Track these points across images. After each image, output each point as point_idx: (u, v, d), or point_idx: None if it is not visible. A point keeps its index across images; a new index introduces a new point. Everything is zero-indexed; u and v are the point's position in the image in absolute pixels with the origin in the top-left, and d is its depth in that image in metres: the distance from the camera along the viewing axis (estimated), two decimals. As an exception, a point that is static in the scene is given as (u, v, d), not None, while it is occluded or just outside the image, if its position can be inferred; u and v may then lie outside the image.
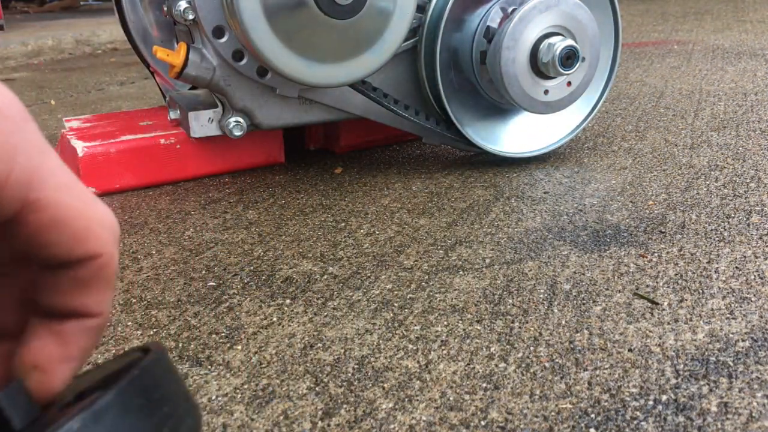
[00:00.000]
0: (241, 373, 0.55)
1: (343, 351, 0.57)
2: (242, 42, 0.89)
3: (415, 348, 0.57)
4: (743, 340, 0.56)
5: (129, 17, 1.17)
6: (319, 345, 0.58)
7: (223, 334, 0.61)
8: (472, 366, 0.54)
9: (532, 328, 0.59)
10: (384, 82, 1.00)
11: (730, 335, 0.57)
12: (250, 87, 0.94)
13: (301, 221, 0.87)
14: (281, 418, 0.49)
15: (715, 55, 1.87)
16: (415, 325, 0.61)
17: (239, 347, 0.59)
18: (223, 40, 0.90)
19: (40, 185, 0.20)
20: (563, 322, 0.60)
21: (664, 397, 0.49)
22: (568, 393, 0.50)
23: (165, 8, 0.95)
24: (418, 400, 0.50)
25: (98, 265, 0.21)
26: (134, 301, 0.68)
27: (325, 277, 0.71)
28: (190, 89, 1.12)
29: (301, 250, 0.78)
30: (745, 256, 0.71)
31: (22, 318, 0.23)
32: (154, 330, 0.62)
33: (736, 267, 0.69)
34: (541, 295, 0.65)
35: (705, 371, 0.52)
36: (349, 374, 0.54)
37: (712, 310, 0.61)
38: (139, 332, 0.62)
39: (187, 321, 0.64)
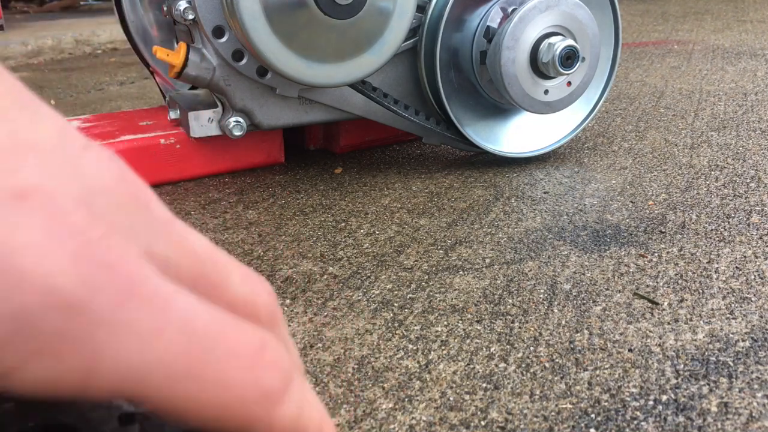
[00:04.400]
0: (241, 373, 0.55)
1: (343, 351, 0.57)
2: (242, 42, 0.89)
3: (415, 348, 0.57)
4: (743, 340, 0.56)
5: (129, 17, 1.17)
6: (319, 345, 0.58)
7: (223, 334, 0.61)
8: (472, 366, 0.54)
9: (532, 328, 0.59)
10: (384, 82, 1.00)
11: (730, 335, 0.57)
12: (250, 87, 0.94)
13: (301, 221, 0.87)
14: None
15: (715, 55, 1.87)
16: (415, 325, 0.61)
17: (239, 347, 0.59)
18: (223, 40, 0.90)
19: (146, 380, 0.15)
20: (563, 322, 0.60)
21: (664, 397, 0.49)
22: (568, 393, 0.50)
23: (165, 8, 0.95)
24: (418, 400, 0.50)
25: None
26: (134, 301, 0.68)
27: (325, 277, 0.71)
28: (190, 89, 1.12)
29: (301, 250, 0.78)
30: (745, 256, 0.71)
31: None
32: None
33: (736, 267, 0.69)
34: (541, 295, 0.65)
35: (705, 371, 0.52)
36: (349, 374, 0.54)
37: (712, 310, 0.61)
38: (139, 332, 0.62)
39: (187, 321, 0.64)
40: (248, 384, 0.16)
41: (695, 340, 0.57)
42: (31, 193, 0.14)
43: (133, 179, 0.16)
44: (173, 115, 1.08)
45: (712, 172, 0.97)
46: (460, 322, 0.61)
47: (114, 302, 0.14)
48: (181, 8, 0.88)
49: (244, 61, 0.91)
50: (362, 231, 0.83)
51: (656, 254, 0.73)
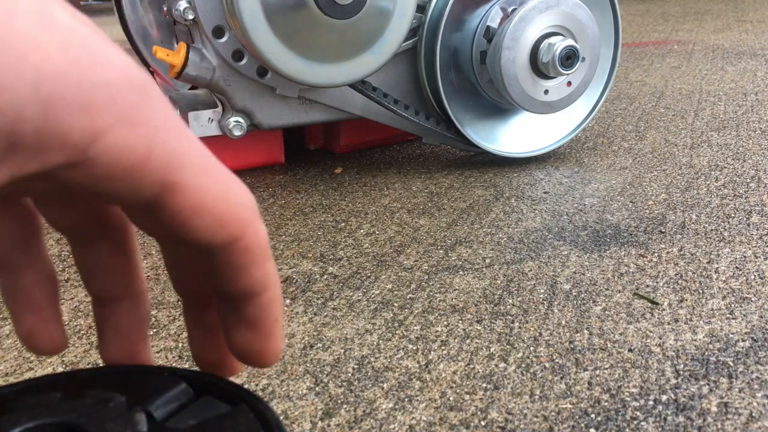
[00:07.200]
0: (241, 374, 0.55)
1: (343, 351, 0.57)
2: (242, 42, 0.89)
3: (415, 348, 0.57)
4: (743, 340, 0.56)
5: (129, 17, 1.17)
6: (319, 345, 0.58)
7: (223, 334, 0.61)
8: (472, 366, 0.54)
9: (532, 328, 0.59)
10: (384, 82, 1.00)
11: (730, 335, 0.57)
12: (250, 87, 0.94)
13: (301, 221, 0.87)
14: (281, 418, 0.49)
15: (715, 55, 1.87)
16: (415, 325, 0.61)
17: (239, 347, 0.59)
18: (223, 40, 0.90)
19: (180, 168, 0.19)
20: (563, 322, 0.60)
21: (664, 397, 0.49)
22: (568, 393, 0.50)
23: (165, 8, 0.95)
24: (418, 400, 0.50)
25: (244, 246, 0.21)
26: (134, 301, 0.68)
27: (325, 277, 0.71)
28: (190, 89, 1.12)
29: (301, 250, 0.78)
30: (745, 256, 0.71)
31: (202, 287, 0.24)
32: (154, 330, 0.62)
33: (736, 267, 0.69)
34: (541, 295, 0.65)
35: (705, 371, 0.52)
36: (349, 374, 0.54)
37: (712, 310, 0.61)
38: (139, 332, 0.62)
39: (187, 321, 0.64)
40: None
41: (695, 340, 0.57)
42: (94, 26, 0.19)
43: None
44: (173, 115, 1.08)
45: (712, 172, 0.97)
46: (460, 322, 0.61)
47: (162, 98, 0.19)
48: (181, 8, 0.88)
49: (244, 61, 0.91)
50: (362, 231, 0.83)
51: (656, 254, 0.73)
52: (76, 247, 0.24)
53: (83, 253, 0.24)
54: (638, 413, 0.48)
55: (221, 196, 0.20)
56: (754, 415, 0.47)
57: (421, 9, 0.97)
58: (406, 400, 0.51)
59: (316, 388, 0.52)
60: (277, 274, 0.23)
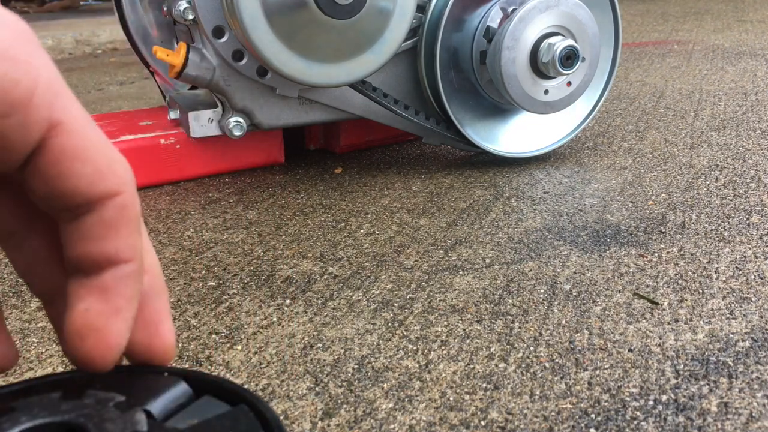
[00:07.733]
0: (241, 374, 0.55)
1: (343, 351, 0.57)
2: (242, 42, 0.89)
3: (415, 348, 0.57)
4: (743, 340, 0.56)
5: (129, 17, 1.17)
6: (319, 345, 0.59)
7: (222, 334, 0.61)
8: (472, 366, 0.54)
9: (532, 328, 0.59)
10: (384, 82, 1.00)
11: (730, 335, 0.57)
12: (250, 87, 0.94)
13: (301, 221, 0.87)
14: (281, 418, 0.49)
15: (715, 55, 1.87)
16: (415, 325, 0.61)
17: (239, 347, 0.59)
18: (223, 40, 0.90)
19: (65, 108, 0.19)
20: (563, 322, 0.60)
21: (664, 397, 0.49)
22: (568, 393, 0.50)
23: (165, 8, 0.95)
24: (418, 400, 0.50)
25: (120, 204, 0.20)
26: (134, 301, 0.68)
27: (325, 277, 0.71)
28: (190, 89, 1.12)
29: (301, 250, 0.78)
30: (745, 256, 0.71)
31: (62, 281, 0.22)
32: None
33: (736, 267, 0.69)
34: (541, 295, 0.65)
35: (705, 371, 0.52)
36: (349, 374, 0.54)
37: (712, 310, 0.61)
38: (139, 332, 0.62)
39: (187, 321, 0.64)
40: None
41: (695, 340, 0.57)
42: None
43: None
44: (173, 115, 1.08)
45: (712, 172, 0.97)
46: (460, 322, 0.61)
47: (40, 47, 0.19)
48: (181, 8, 0.88)
49: (244, 61, 0.91)
50: (362, 231, 0.83)
51: (656, 254, 0.73)
52: (9, 252, 0.23)
53: (18, 255, 0.23)
54: (638, 413, 0.48)
55: (103, 149, 0.20)
56: (754, 415, 0.47)
57: (421, 9, 0.97)
58: (406, 400, 0.51)
59: (316, 388, 0.52)
60: (142, 253, 0.21)
